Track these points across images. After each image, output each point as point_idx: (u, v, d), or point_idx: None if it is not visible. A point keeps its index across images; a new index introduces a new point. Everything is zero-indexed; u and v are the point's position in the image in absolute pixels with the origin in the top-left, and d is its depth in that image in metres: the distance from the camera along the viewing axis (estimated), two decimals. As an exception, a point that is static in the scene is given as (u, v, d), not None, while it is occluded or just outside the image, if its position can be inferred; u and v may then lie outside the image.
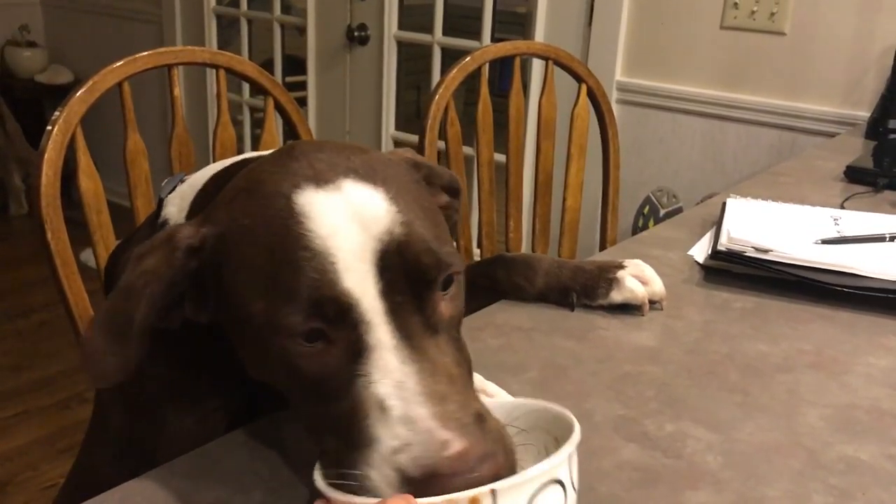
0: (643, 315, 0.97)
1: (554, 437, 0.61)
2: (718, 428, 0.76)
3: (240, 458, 0.68)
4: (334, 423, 0.57)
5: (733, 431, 0.75)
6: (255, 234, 0.59)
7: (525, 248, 1.79)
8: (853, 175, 1.56)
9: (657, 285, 0.99)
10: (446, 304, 0.61)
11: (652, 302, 0.98)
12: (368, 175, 0.61)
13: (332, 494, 0.54)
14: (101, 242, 1.23)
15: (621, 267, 0.99)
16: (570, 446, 0.54)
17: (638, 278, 0.98)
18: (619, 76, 2.46)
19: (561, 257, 1.78)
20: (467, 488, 0.50)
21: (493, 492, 0.49)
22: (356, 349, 0.56)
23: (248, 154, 0.79)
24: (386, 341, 0.56)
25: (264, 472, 0.66)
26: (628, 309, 0.98)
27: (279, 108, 1.45)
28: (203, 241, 0.62)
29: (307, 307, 0.56)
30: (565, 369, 0.85)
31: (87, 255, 1.32)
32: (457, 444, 0.51)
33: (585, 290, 0.98)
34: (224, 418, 0.75)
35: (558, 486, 0.53)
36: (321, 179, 0.60)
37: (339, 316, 0.56)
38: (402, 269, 0.58)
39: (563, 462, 0.52)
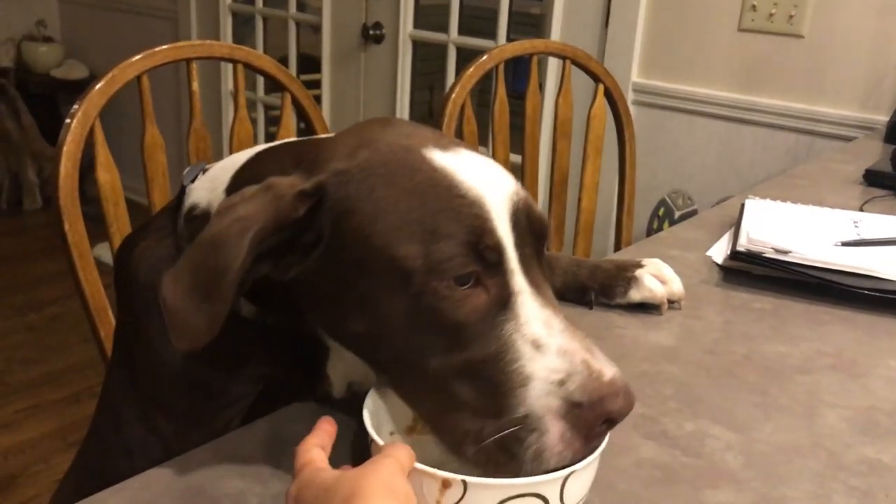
0: (661, 314, 0.97)
1: None
2: (738, 428, 0.75)
3: (258, 449, 0.68)
4: (473, 370, 0.58)
5: (753, 431, 0.75)
6: (397, 182, 0.61)
7: (539, 247, 1.78)
8: (872, 178, 1.55)
9: (676, 285, 0.98)
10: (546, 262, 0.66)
11: (670, 301, 0.98)
12: (469, 146, 0.66)
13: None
14: (117, 235, 1.23)
15: (640, 266, 0.98)
16: (574, 467, 0.54)
17: (657, 278, 0.98)
18: (635, 77, 2.45)
19: (575, 257, 1.78)
20: (623, 413, 0.55)
21: (463, 482, 0.52)
22: (503, 295, 0.59)
23: (291, 139, 0.78)
24: (525, 288, 0.60)
25: (283, 463, 0.66)
26: (646, 308, 0.97)
27: (296, 104, 1.45)
28: (318, 187, 0.62)
29: (470, 248, 0.58)
30: (583, 367, 0.84)
31: (99, 251, 1.32)
32: (609, 372, 0.56)
33: (604, 288, 0.98)
34: (241, 410, 0.75)
35: (538, 501, 0.54)
36: (438, 142, 0.64)
37: (496, 261, 0.59)
38: (527, 226, 0.62)
39: (555, 481, 0.53)
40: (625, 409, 0.56)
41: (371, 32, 2.94)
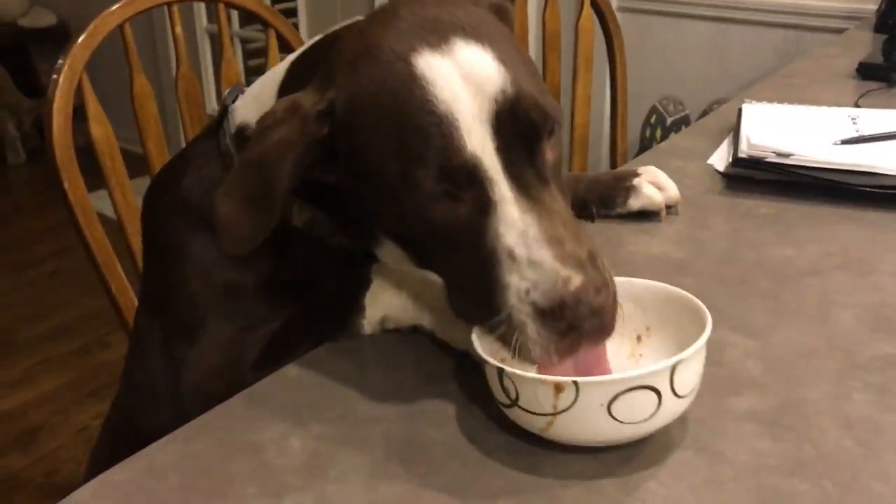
0: (660, 221, 0.99)
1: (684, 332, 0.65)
2: (755, 334, 0.77)
3: (294, 393, 0.70)
4: (470, 271, 0.64)
5: (770, 337, 0.77)
6: (381, 101, 0.64)
7: (536, 166, 1.78)
8: (866, 72, 1.55)
9: (672, 190, 1.00)
10: (550, 152, 0.66)
11: (668, 206, 1.00)
12: (475, 33, 0.65)
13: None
14: (117, 188, 1.23)
15: (636, 175, 1.00)
16: (680, 356, 0.58)
17: (654, 184, 1.00)
18: (618, -17, 2.41)
19: (572, 173, 1.78)
20: (591, 316, 0.59)
21: (575, 383, 0.56)
22: (482, 205, 0.62)
23: (319, 36, 0.79)
24: (507, 195, 0.62)
25: (319, 405, 0.68)
26: (647, 216, 0.99)
27: (280, 38, 1.42)
28: (331, 106, 0.66)
29: (437, 173, 0.61)
30: (598, 286, 0.86)
31: (94, 202, 1.31)
32: (576, 280, 0.59)
33: (603, 199, 1.00)
34: (263, 336, 0.77)
35: (650, 392, 0.57)
36: (434, 41, 0.64)
37: (467, 179, 0.62)
38: (514, 126, 0.63)
39: (663, 371, 0.57)
40: (585, 316, 0.59)
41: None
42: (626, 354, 0.70)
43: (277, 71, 0.79)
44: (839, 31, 2.07)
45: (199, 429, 0.66)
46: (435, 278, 0.71)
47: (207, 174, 0.79)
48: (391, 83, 0.63)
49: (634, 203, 0.99)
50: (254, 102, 0.78)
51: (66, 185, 1.15)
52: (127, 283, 1.21)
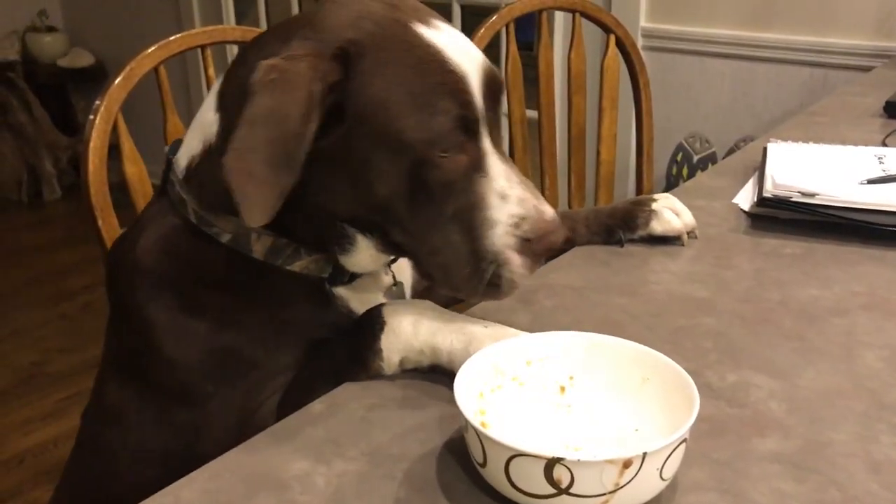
0: (683, 245, 1.03)
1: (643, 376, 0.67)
2: (779, 375, 0.77)
3: (318, 430, 0.70)
4: (458, 217, 0.72)
5: (794, 377, 0.76)
6: (400, 55, 0.69)
7: (562, 204, 1.79)
8: (893, 110, 1.54)
9: (687, 216, 1.04)
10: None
11: (687, 233, 1.03)
12: (437, 15, 0.75)
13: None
14: (149, 226, 1.25)
15: (654, 200, 1.04)
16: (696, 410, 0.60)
17: (671, 210, 1.03)
18: (643, 22, 2.43)
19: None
20: (559, 242, 0.73)
21: (643, 455, 0.55)
22: (477, 156, 0.72)
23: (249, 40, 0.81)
24: (491, 148, 0.73)
25: (343, 442, 0.68)
26: (667, 241, 1.03)
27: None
28: (344, 52, 0.69)
29: (458, 123, 0.70)
30: (621, 325, 0.86)
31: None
32: (550, 212, 0.73)
33: (626, 223, 1.03)
34: (276, 386, 0.76)
35: (684, 444, 0.59)
36: (416, 17, 0.72)
37: (476, 130, 0.72)
38: (492, 91, 0.74)
39: (692, 422, 0.59)
40: (560, 239, 0.73)
41: (373, -3, 2.92)
42: (553, 406, 0.69)
43: (209, 94, 0.79)
44: (866, 69, 2.06)
45: (224, 465, 0.67)
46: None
47: (163, 233, 0.78)
48: (407, 44, 0.70)
49: (657, 226, 1.02)
50: (194, 133, 0.78)
51: (99, 223, 1.18)
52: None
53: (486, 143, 0.73)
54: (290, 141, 0.66)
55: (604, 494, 0.56)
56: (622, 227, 1.03)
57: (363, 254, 0.77)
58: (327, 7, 0.73)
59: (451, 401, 0.62)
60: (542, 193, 1.72)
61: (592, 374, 0.69)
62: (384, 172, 0.71)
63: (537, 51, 1.71)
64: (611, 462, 0.55)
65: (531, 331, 0.72)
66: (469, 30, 1.66)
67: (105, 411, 0.85)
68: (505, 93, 0.77)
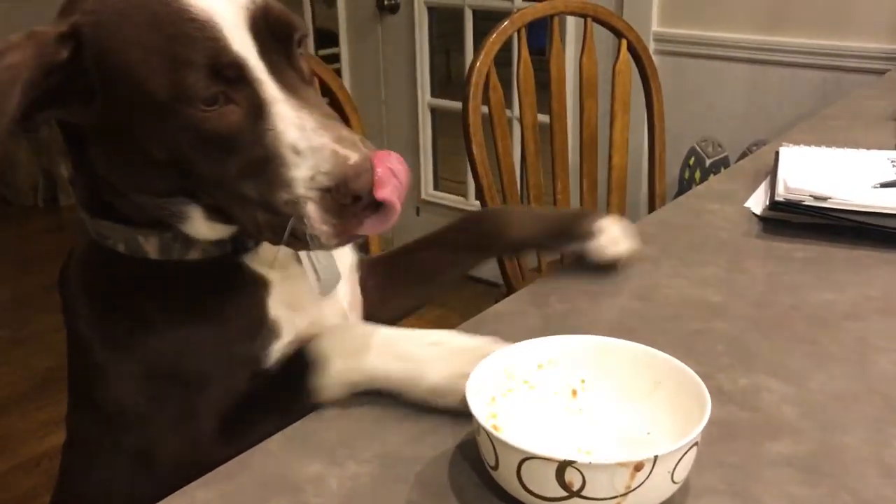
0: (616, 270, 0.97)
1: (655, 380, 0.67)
2: (792, 379, 0.77)
3: (331, 432, 0.71)
4: (250, 173, 0.65)
5: (807, 381, 0.76)
6: (135, 15, 0.64)
7: (574, 208, 1.80)
8: (906, 114, 1.54)
9: (624, 246, 0.95)
10: (304, 61, 0.70)
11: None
12: None
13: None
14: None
15: (598, 216, 0.95)
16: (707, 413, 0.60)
17: (611, 238, 0.95)
18: (655, 27, 2.43)
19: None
20: (365, 189, 0.64)
21: (655, 458, 0.55)
22: (256, 107, 0.65)
23: None
24: (277, 95, 0.65)
25: (356, 444, 0.69)
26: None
27: (322, 84, 1.46)
28: (75, 29, 0.65)
29: (209, 72, 0.63)
30: (634, 330, 0.86)
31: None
32: (354, 157, 0.64)
33: (566, 235, 0.96)
34: (216, 409, 0.73)
35: (695, 448, 0.59)
36: None
37: (238, 76, 0.64)
38: (269, 31, 0.66)
39: (703, 426, 0.59)
40: (367, 185, 0.64)
41: (386, 3, 2.93)
42: (565, 410, 0.70)
43: None
44: (880, 72, 2.06)
45: (239, 467, 0.67)
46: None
47: (80, 254, 0.78)
48: (145, 1, 0.64)
49: (603, 241, 0.94)
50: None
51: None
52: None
53: (269, 90, 0.65)
54: None
55: (615, 497, 0.56)
56: (553, 239, 0.96)
57: (199, 223, 0.73)
58: None
59: (465, 403, 0.62)
60: (554, 198, 1.74)
61: (604, 377, 0.70)
62: (153, 138, 0.66)
63: (549, 56, 1.72)
64: (622, 465, 0.55)
65: (543, 334, 0.72)
66: (481, 34, 1.67)
67: (71, 443, 0.85)
68: (293, 27, 0.69)
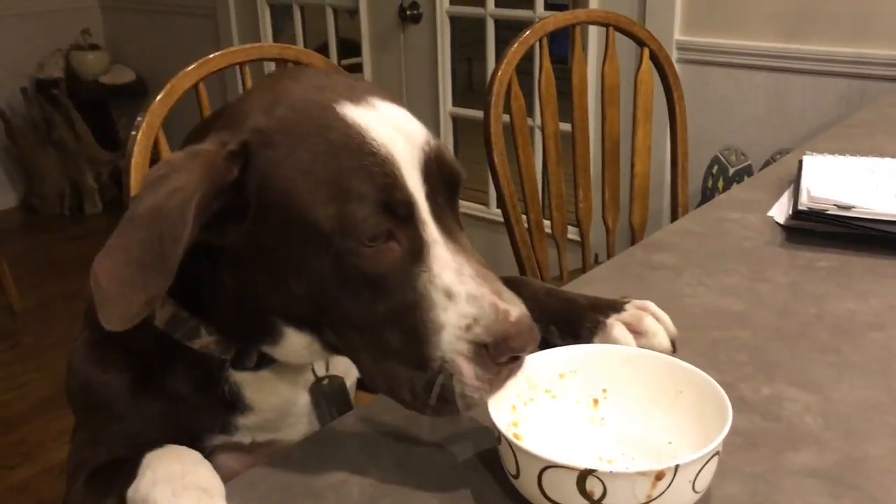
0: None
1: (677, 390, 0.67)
2: (814, 389, 0.76)
3: (353, 440, 0.72)
4: (396, 319, 0.62)
5: (830, 391, 0.76)
6: (311, 141, 0.62)
7: (596, 217, 1.79)
8: (931, 122, 1.52)
9: (656, 338, 0.79)
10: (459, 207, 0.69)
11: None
12: (381, 93, 0.68)
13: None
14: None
15: (616, 310, 0.80)
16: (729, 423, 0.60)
17: (631, 327, 0.79)
18: (677, 35, 2.43)
19: (632, 223, 1.78)
20: (526, 348, 0.61)
21: (676, 467, 0.55)
22: (415, 246, 0.63)
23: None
24: (437, 238, 0.63)
25: (378, 452, 0.70)
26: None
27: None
28: (245, 148, 0.63)
29: (380, 208, 0.61)
30: (655, 338, 0.86)
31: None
32: (515, 312, 0.61)
33: (569, 325, 0.81)
34: (97, 453, 0.77)
35: (717, 457, 0.59)
36: (350, 96, 0.65)
37: (407, 214, 0.63)
38: (439, 175, 0.65)
39: (724, 435, 0.59)
40: (527, 344, 0.61)
41: (408, 13, 2.95)
42: (586, 419, 0.70)
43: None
44: (905, 80, 2.04)
45: (263, 474, 0.68)
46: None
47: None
48: (321, 127, 0.62)
49: (599, 342, 0.78)
50: None
51: (141, 237, 1.20)
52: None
53: (429, 231, 0.63)
54: (164, 243, 0.60)
55: None
56: (562, 327, 0.80)
57: (293, 347, 0.71)
58: (250, 94, 0.69)
59: (486, 413, 0.62)
60: (576, 206, 1.74)
61: (626, 386, 0.70)
62: (300, 269, 0.64)
63: (571, 64, 1.72)
64: (643, 474, 0.55)
65: (564, 344, 0.73)
66: (503, 44, 1.67)
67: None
68: (460, 175, 0.67)
